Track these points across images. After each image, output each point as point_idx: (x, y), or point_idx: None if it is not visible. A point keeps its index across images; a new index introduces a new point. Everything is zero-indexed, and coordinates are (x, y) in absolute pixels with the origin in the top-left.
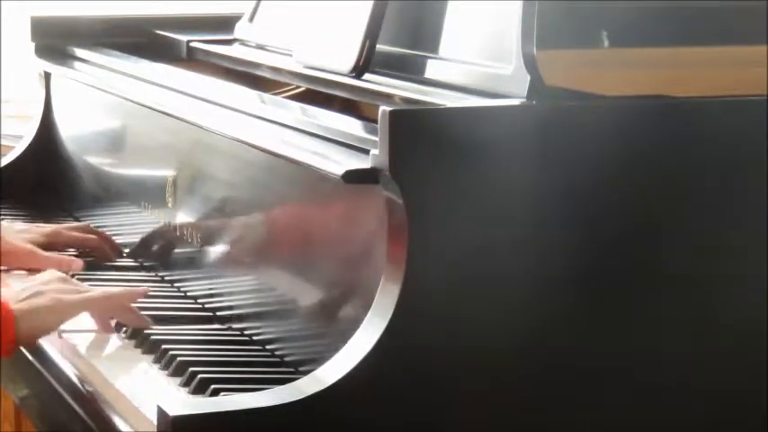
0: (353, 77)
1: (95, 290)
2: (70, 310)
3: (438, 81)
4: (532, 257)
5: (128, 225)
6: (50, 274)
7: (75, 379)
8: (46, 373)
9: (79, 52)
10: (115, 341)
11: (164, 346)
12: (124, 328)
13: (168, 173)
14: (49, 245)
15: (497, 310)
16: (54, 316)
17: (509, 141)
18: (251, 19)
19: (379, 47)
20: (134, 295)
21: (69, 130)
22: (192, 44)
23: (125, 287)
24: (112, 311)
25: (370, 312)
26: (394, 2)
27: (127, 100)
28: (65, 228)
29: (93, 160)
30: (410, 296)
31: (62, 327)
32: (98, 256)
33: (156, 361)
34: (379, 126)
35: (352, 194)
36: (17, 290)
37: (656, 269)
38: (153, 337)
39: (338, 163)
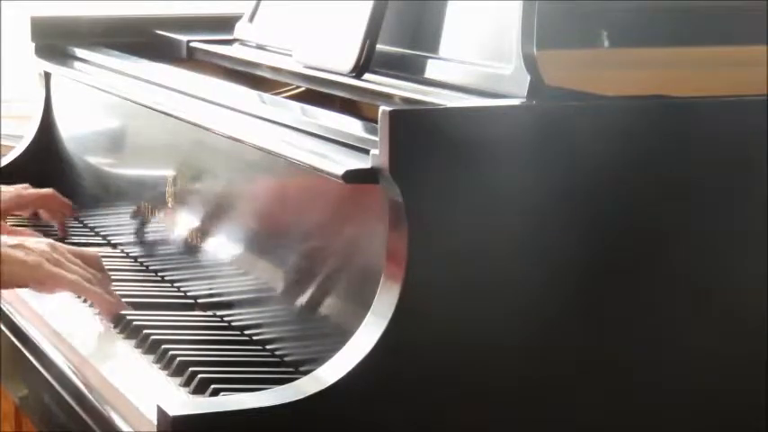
0: (353, 77)
1: (72, 275)
2: (44, 278)
3: (438, 81)
4: (532, 257)
5: (128, 225)
6: (43, 238)
7: (74, 379)
8: (46, 373)
9: (79, 52)
10: (115, 341)
11: (164, 346)
12: (119, 329)
13: (168, 173)
14: (15, 207)
15: (497, 309)
16: (28, 273)
17: (509, 141)
18: (251, 19)
19: (379, 47)
20: (104, 304)
21: (69, 130)
22: (191, 44)
23: (101, 292)
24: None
25: (370, 312)
26: (394, 2)
27: (127, 100)
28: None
29: (93, 160)
30: (410, 296)
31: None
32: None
33: (157, 361)
34: (379, 126)
35: (352, 194)
36: (5, 238)
37: (657, 269)
38: (153, 337)
39: (338, 163)
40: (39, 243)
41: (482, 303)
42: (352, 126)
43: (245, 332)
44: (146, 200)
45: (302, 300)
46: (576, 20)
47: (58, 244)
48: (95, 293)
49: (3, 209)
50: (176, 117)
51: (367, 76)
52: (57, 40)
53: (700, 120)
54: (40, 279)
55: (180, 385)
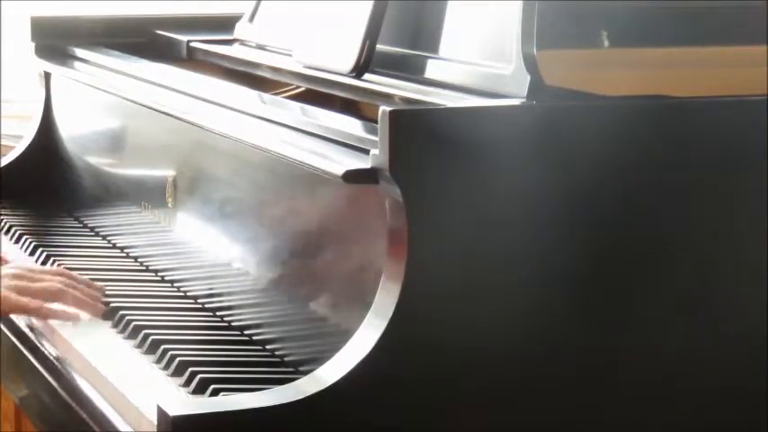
0: (353, 77)
1: (34, 303)
2: (12, 310)
3: (438, 81)
4: (532, 257)
5: (128, 225)
6: (7, 269)
7: (75, 379)
8: (46, 374)
9: (79, 52)
10: (115, 341)
11: (164, 347)
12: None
13: (168, 173)
14: None
15: (497, 309)
16: None
17: (509, 141)
18: (251, 19)
19: (379, 47)
20: (65, 317)
21: (69, 130)
22: (192, 44)
23: (61, 309)
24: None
25: (370, 312)
26: (394, 2)
27: (127, 100)
28: None
29: (93, 160)
30: (410, 296)
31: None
32: None
33: (157, 361)
34: (379, 126)
35: (352, 194)
36: None
37: (657, 269)
38: (153, 337)
39: (338, 163)
40: (5, 275)
41: (482, 303)
42: (352, 126)
43: (245, 332)
44: (146, 200)
45: (302, 300)
46: (575, 20)
47: (21, 268)
48: (70, 303)
49: None
50: (176, 117)
51: (367, 76)
52: (57, 40)
53: (700, 120)
54: (7, 311)
55: (180, 385)
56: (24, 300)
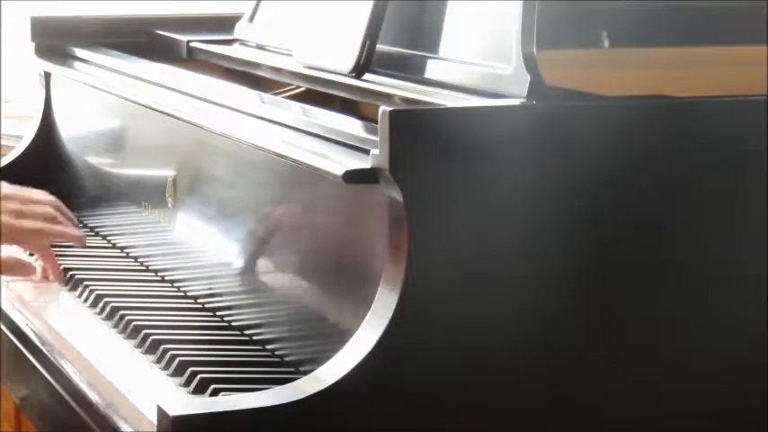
0: (353, 77)
1: (34, 223)
2: (8, 234)
3: (438, 81)
4: (532, 257)
5: (128, 225)
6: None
7: (75, 379)
8: (46, 374)
9: (79, 52)
10: (115, 341)
11: (164, 346)
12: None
13: (168, 173)
14: None
15: (497, 310)
16: None
17: (509, 141)
18: (251, 19)
19: (379, 47)
20: (68, 236)
21: (69, 130)
22: (192, 44)
23: (65, 230)
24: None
25: (370, 312)
26: (394, 2)
27: (127, 100)
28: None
29: (93, 160)
30: (410, 296)
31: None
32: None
33: (157, 361)
34: (379, 126)
35: (353, 194)
36: None
37: (656, 269)
38: (153, 337)
39: (338, 163)
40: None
41: (482, 303)
42: (352, 126)
43: (245, 332)
44: (146, 200)
45: (302, 300)
46: (575, 20)
47: (11, 190)
48: (61, 230)
49: None
50: (176, 117)
51: (367, 76)
52: (57, 40)
53: (700, 120)
54: (8, 237)
55: (180, 385)
56: (24, 223)
